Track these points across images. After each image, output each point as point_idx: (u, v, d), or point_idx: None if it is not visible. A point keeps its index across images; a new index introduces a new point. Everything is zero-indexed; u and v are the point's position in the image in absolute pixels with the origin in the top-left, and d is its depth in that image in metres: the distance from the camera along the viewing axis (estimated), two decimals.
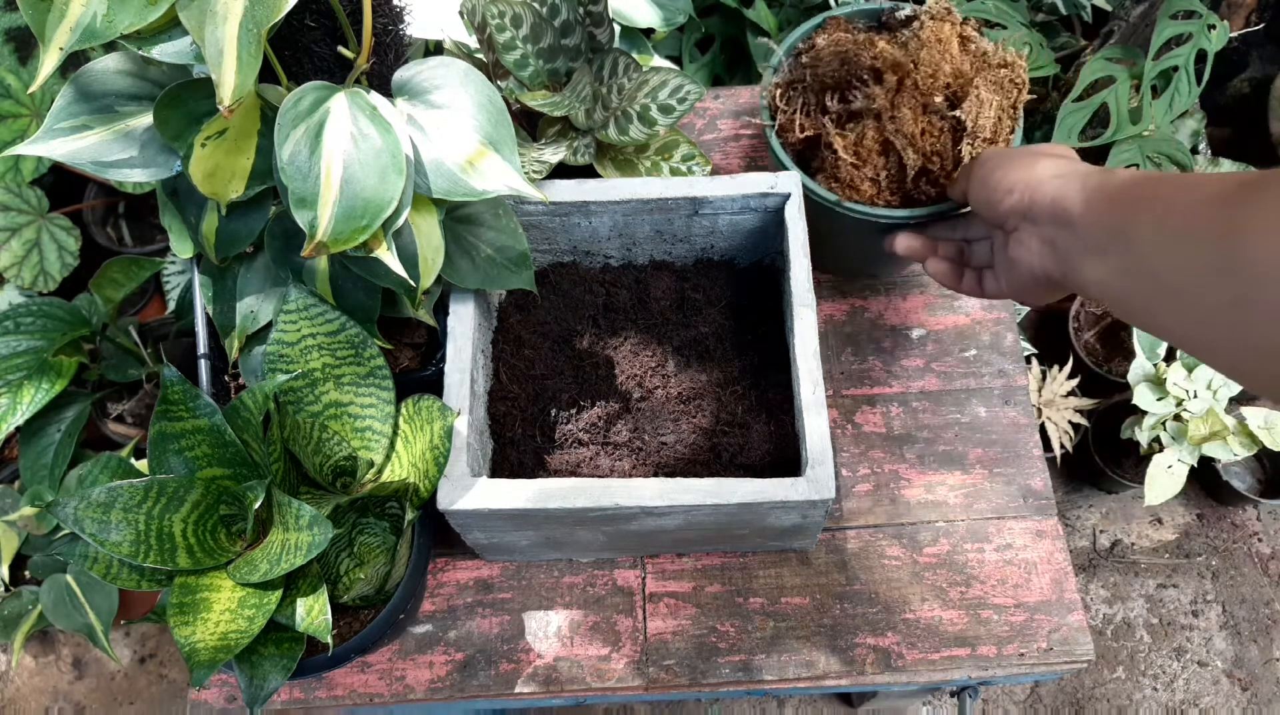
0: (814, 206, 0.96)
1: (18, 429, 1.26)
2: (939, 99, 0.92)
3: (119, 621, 1.69)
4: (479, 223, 0.86)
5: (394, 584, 0.85)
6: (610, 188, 0.94)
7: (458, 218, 0.84)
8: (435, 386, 0.87)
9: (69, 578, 1.34)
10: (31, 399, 1.23)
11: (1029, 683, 1.64)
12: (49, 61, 0.63)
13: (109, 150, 0.71)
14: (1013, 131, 0.95)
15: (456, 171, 0.72)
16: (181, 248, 0.82)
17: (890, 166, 0.96)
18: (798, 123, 0.98)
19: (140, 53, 0.65)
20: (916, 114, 0.92)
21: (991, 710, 1.65)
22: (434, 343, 0.99)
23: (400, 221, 0.69)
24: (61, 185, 1.55)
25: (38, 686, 1.72)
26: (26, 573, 1.42)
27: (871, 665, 0.96)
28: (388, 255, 0.70)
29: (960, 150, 0.93)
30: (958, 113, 0.91)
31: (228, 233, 0.79)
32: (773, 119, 1.00)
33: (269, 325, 0.84)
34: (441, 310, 0.92)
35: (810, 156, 1.01)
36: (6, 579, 1.39)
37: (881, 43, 0.94)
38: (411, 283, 0.75)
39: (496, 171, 0.73)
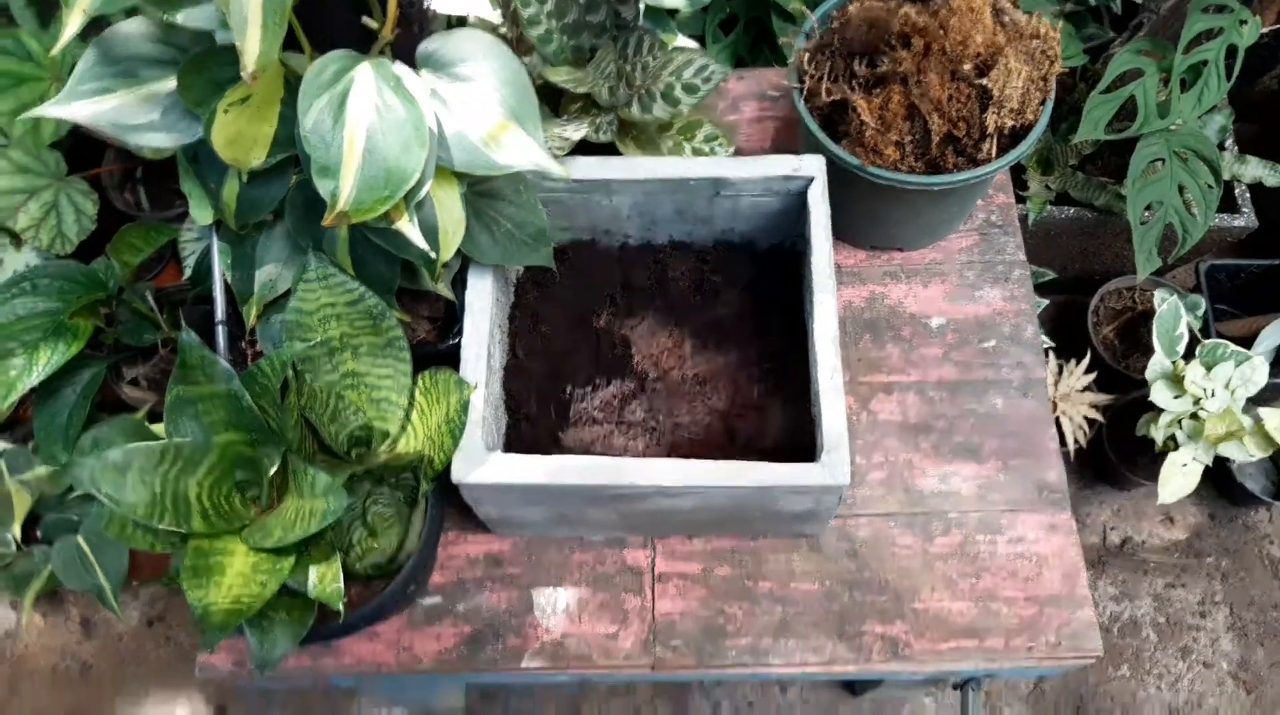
0: (837, 173, 0.96)
1: (33, 390, 1.26)
2: (967, 67, 0.92)
3: (131, 581, 1.70)
4: (499, 197, 0.85)
5: (406, 555, 0.85)
6: (632, 166, 0.94)
7: (479, 192, 0.84)
8: (451, 360, 0.87)
9: (80, 539, 1.35)
10: (48, 360, 1.23)
11: (1035, 677, 1.64)
12: (73, 22, 0.62)
13: (131, 114, 0.70)
14: (1042, 103, 0.95)
15: (479, 145, 0.72)
16: (201, 214, 0.82)
17: (915, 132, 0.95)
18: (824, 87, 0.98)
19: (164, 18, 0.65)
20: (943, 80, 0.92)
21: (995, 705, 1.65)
22: (451, 317, 0.99)
23: (422, 193, 0.69)
24: (80, 149, 1.55)
25: (46, 645, 1.73)
26: (38, 532, 1.43)
27: (879, 653, 0.95)
28: (409, 226, 0.69)
29: (986, 119, 0.92)
30: (985, 81, 0.90)
31: (248, 200, 0.79)
32: (801, 83, 1.00)
33: (287, 293, 0.84)
34: (459, 284, 0.91)
35: (836, 120, 1.00)
36: (19, 538, 1.40)
37: (910, 9, 0.94)
38: (432, 254, 0.75)
39: (519, 146, 0.72)
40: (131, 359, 1.59)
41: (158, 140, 0.71)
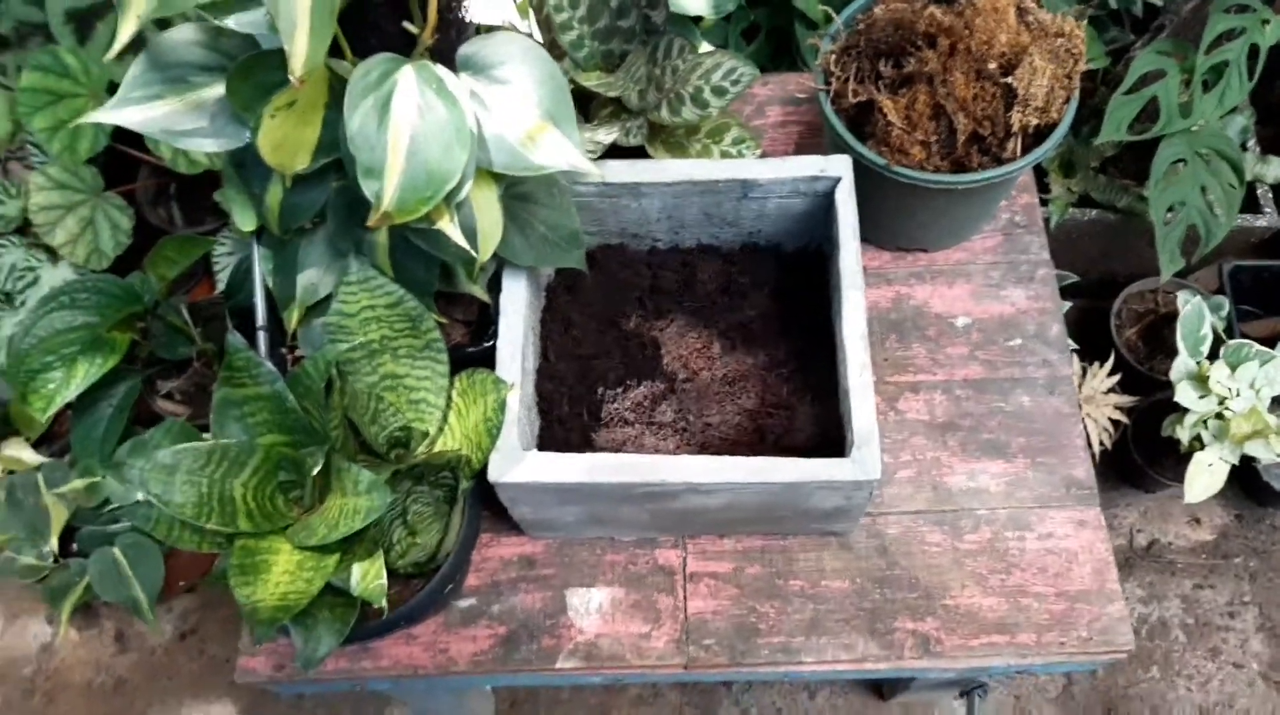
0: (863, 174, 0.97)
1: (69, 404, 1.28)
2: (993, 65, 0.93)
3: (179, 583, 1.72)
4: (533, 200, 0.87)
5: (445, 553, 0.87)
6: (661, 168, 0.95)
7: (513, 194, 0.86)
8: (485, 363, 0.88)
9: (116, 551, 1.37)
10: (85, 373, 1.25)
11: (1067, 672, 1.63)
12: (126, 28, 0.64)
13: (181, 120, 0.72)
14: (1066, 101, 0.96)
15: (517, 146, 0.74)
16: (245, 220, 0.84)
17: (940, 131, 0.97)
18: (851, 88, 0.99)
19: (215, 22, 0.67)
20: (969, 79, 0.93)
21: (1025, 707, 1.64)
22: (484, 321, 1.01)
23: (463, 194, 0.71)
24: (115, 165, 1.58)
25: (81, 659, 1.76)
26: (75, 546, 1.45)
27: (911, 650, 0.96)
28: (450, 227, 0.71)
29: (1011, 117, 0.93)
30: (1010, 79, 0.92)
31: (291, 205, 0.81)
32: (827, 85, 1.02)
33: (327, 298, 0.86)
34: (493, 289, 0.93)
35: (862, 121, 1.02)
36: (56, 551, 1.42)
37: (935, 9, 0.95)
38: (473, 253, 0.76)
39: (556, 146, 0.74)
40: (165, 373, 1.61)
41: (206, 145, 0.73)
